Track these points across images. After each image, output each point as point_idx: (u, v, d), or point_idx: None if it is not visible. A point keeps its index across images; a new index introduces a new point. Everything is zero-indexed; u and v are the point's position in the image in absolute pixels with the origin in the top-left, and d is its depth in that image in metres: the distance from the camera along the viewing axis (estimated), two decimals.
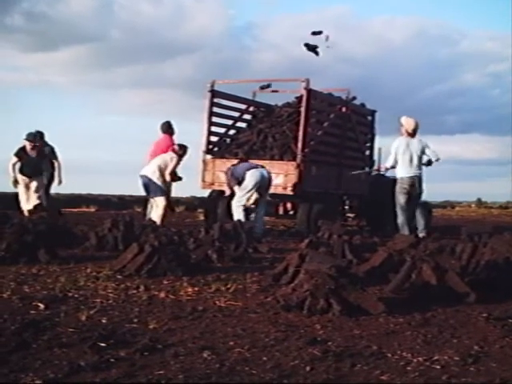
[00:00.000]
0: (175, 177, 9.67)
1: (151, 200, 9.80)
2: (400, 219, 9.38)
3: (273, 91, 11.68)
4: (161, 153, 9.79)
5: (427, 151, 9.54)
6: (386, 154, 12.45)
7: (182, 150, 9.65)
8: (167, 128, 10.36)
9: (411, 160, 9.38)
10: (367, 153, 12.45)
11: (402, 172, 9.41)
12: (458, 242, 6.52)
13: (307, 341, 3.33)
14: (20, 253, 6.05)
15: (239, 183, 9.26)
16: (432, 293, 4.54)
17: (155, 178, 9.34)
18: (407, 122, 9.55)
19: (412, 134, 9.49)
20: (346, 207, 12.21)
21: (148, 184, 9.43)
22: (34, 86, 71.53)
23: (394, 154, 9.47)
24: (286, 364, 2.95)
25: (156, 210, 9.42)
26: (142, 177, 9.49)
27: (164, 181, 9.43)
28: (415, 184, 9.45)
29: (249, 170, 9.24)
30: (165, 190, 9.47)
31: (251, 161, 9.74)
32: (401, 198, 9.36)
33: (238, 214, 9.07)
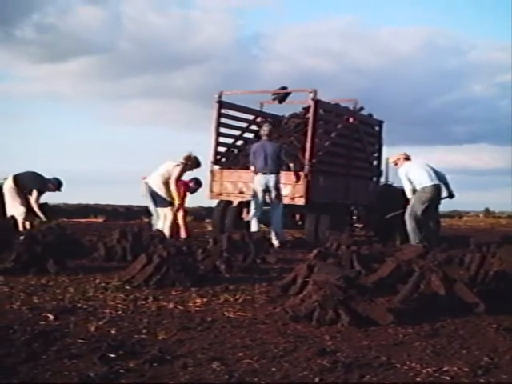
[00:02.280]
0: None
1: (155, 211, 9.79)
2: (411, 226, 9.39)
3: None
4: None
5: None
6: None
7: (189, 161, 9.63)
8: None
9: (426, 171, 9.49)
10: (375, 163, 12.46)
11: (425, 181, 9.46)
12: (466, 252, 6.51)
13: (316, 352, 3.32)
14: (29, 263, 6.07)
15: None
16: (441, 303, 4.53)
17: (160, 191, 9.36)
18: (398, 154, 10.05)
19: (408, 158, 9.88)
20: (354, 217, 12.21)
21: (154, 195, 9.45)
22: (42, 96, 72.00)
23: (407, 182, 9.62)
24: (295, 375, 2.95)
25: (165, 221, 9.43)
26: (148, 186, 9.49)
27: (169, 191, 9.43)
28: (439, 192, 9.57)
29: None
30: (170, 201, 9.47)
31: None
32: (417, 208, 9.39)
33: (253, 226, 9.17)
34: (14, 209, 10.17)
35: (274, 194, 9.44)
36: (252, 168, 9.65)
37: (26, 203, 10.21)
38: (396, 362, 3.18)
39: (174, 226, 9.54)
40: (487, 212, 39.92)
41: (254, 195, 9.49)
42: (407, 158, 9.82)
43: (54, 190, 10.59)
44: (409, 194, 9.62)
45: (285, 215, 10.04)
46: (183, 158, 9.65)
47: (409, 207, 9.47)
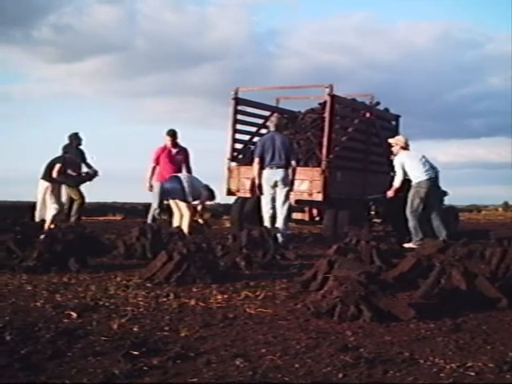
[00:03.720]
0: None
1: (174, 207, 9.75)
2: (412, 223, 9.37)
3: None
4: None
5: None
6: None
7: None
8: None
9: (421, 163, 9.45)
10: (392, 158, 12.39)
11: (419, 176, 9.42)
12: (487, 246, 6.46)
13: (339, 347, 3.32)
14: (51, 262, 6.13)
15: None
16: (462, 298, 4.50)
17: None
18: (397, 139, 9.96)
19: (406, 148, 9.78)
20: (372, 212, 12.16)
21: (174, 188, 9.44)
22: (59, 96, 72.40)
23: (401, 170, 9.61)
24: (319, 371, 2.95)
25: (183, 219, 9.45)
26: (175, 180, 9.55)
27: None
28: (433, 186, 9.49)
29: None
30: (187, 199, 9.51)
31: None
32: (416, 203, 9.36)
33: (265, 221, 9.05)
34: (47, 209, 10.26)
35: (280, 190, 9.05)
36: (256, 160, 9.19)
37: (59, 202, 10.35)
38: (419, 358, 3.18)
39: (193, 224, 9.53)
40: (506, 206, 39.41)
41: (263, 191, 9.17)
42: (405, 148, 9.75)
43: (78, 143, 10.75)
44: (397, 184, 9.70)
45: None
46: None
47: (408, 204, 9.45)
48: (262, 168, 9.14)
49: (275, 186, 9.05)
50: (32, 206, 10.78)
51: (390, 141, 10.06)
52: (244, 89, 11.18)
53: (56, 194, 10.22)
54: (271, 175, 9.03)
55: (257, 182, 9.20)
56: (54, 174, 10.12)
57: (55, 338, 3.45)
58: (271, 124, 9.45)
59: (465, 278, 4.59)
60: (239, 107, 11.06)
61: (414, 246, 8.68)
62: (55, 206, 10.10)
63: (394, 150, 9.92)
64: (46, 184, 10.15)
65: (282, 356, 3.18)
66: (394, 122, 12.49)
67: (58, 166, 10.18)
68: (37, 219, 10.18)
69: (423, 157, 9.67)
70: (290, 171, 9.09)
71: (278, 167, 9.03)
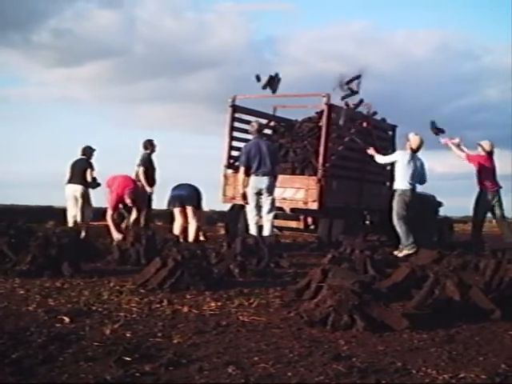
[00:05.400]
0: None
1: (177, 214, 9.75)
2: (402, 228, 9.36)
3: None
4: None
5: (425, 170, 9.87)
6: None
7: None
8: None
9: (413, 174, 9.45)
10: (388, 168, 12.40)
11: (405, 184, 9.43)
12: (481, 257, 6.47)
13: (331, 356, 3.32)
14: (44, 266, 6.10)
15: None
16: (456, 309, 4.50)
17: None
18: (414, 139, 9.79)
19: (415, 151, 9.71)
20: (367, 222, 12.15)
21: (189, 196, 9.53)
22: (58, 100, 72.02)
23: (390, 159, 9.90)
24: (311, 379, 2.95)
25: (191, 226, 9.46)
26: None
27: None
28: (413, 197, 9.55)
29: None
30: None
31: None
32: (402, 210, 9.38)
33: (251, 228, 8.99)
34: (81, 213, 10.53)
35: (265, 198, 8.97)
36: (241, 170, 9.12)
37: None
38: (411, 368, 3.17)
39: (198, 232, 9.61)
40: None
41: (248, 199, 9.07)
42: (414, 150, 9.66)
43: (90, 156, 10.81)
44: (378, 159, 10.07)
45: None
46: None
47: (394, 212, 9.45)
48: (247, 175, 9.06)
49: (260, 193, 8.99)
50: (64, 210, 11.05)
51: (409, 135, 9.94)
52: (241, 96, 11.20)
53: (89, 196, 10.63)
54: (257, 183, 8.96)
55: (241, 191, 9.17)
56: (89, 178, 10.50)
57: (47, 343, 3.43)
58: (253, 130, 9.40)
59: (459, 288, 4.59)
60: (236, 115, 11.07)
61: (408, 252, 8.72)
62: (91, 208, 10.64)
63: (406, 145, 9.85)
64: (79, 187, 10.37)
65: (274, 364, 3.17)
66: (390, 132, 12.52)
67: (89, 171, 10.53)
68: (70, 224, 10.48)
69: (421, 168, 9.67)
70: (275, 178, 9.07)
71: (264, 175, 8.96)
